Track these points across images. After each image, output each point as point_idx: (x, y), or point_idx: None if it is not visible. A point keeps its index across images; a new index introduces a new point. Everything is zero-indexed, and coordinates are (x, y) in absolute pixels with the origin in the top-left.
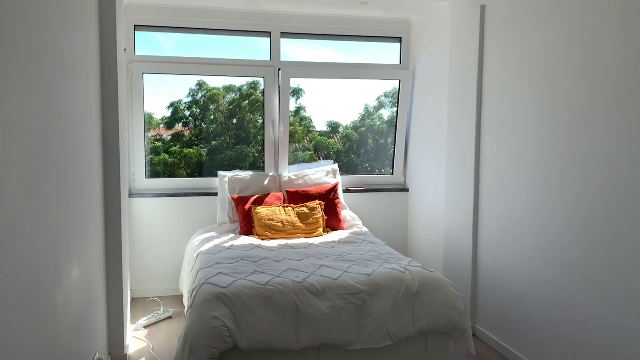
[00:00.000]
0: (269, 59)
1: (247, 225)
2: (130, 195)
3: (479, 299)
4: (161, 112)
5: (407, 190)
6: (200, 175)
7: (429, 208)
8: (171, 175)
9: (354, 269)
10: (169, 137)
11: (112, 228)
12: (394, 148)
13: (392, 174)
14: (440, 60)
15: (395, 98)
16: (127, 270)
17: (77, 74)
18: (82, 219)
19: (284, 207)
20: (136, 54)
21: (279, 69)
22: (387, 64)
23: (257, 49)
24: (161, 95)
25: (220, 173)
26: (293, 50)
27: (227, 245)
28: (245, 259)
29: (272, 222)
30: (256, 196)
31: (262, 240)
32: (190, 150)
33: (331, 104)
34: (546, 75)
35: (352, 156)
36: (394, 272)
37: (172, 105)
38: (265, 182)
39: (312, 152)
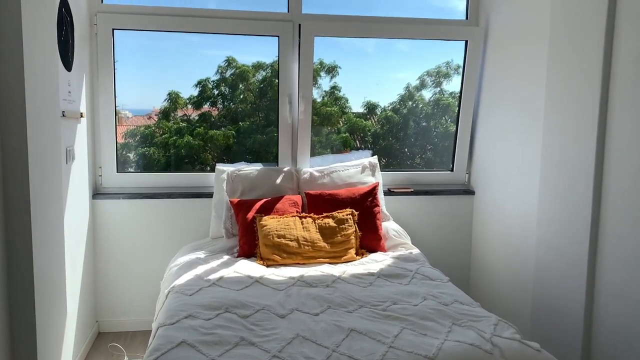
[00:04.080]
0: (286, 11)
1: (248, 243)
2: (95, 195)
3: None
4: (188, 90)
5: (472, 192)
6: (230, 161)
7: (506, 221)
8: (196, 159)
9: (405, 339)
10: (197, 118)
11: (18, 246)
12: (455, 135)
13: (452, 170)
14: (531, 11)
15: (439, 77)
16: (63, 310)
17: None
18: None
19: (300, 217)
20: (103, 1)
21: (299, 25)
22: (447, 19)
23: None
24: (188, 72)
25: (219, 167)
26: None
27: (213, 277)
28: (232, 309)
29: (282, 240)
30: (264, 200)
31: (268, 267)
32: (217, 132)
33: (367, 83)
34: None
35: (391, 139)
36: (474, 352)
37: (199, 83)
38: (278, 181)
39: (347, 134)
